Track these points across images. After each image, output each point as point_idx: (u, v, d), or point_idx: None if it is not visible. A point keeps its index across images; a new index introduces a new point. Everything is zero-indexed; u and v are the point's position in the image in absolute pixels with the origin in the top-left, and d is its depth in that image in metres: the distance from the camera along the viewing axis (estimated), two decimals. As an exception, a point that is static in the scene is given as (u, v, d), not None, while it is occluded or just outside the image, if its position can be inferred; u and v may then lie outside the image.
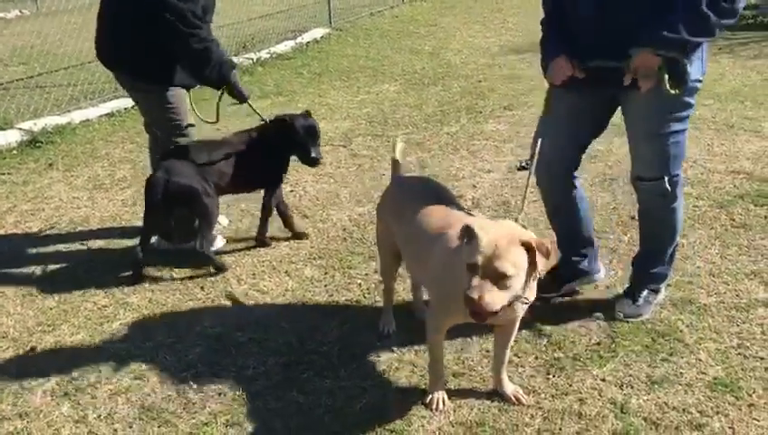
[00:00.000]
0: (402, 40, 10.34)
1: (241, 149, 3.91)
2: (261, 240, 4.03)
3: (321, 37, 10.43)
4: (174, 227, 3.87)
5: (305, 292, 3.49)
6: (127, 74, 3.84)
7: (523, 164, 5.05)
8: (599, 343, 2.96)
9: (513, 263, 2.11)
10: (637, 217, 3.26)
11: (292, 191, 4.78)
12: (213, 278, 3.65)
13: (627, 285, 3.23)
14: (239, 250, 3.96)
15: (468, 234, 2.19)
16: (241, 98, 3.85)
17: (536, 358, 2.88)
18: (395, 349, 2.99)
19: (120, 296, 3.51)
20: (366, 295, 3.43)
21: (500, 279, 2.10)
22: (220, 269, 3.72)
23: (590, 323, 3.08)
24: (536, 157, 2.88)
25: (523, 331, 3.03)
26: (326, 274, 3.66)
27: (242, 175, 3.87)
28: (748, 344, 2.91)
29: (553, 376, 2.77)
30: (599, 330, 3.05)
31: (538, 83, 7.46)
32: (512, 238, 2.14)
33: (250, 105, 3.95)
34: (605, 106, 3.05)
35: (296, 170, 5.10)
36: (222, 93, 3.82)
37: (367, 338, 3.08)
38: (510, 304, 2.20)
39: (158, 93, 3.79)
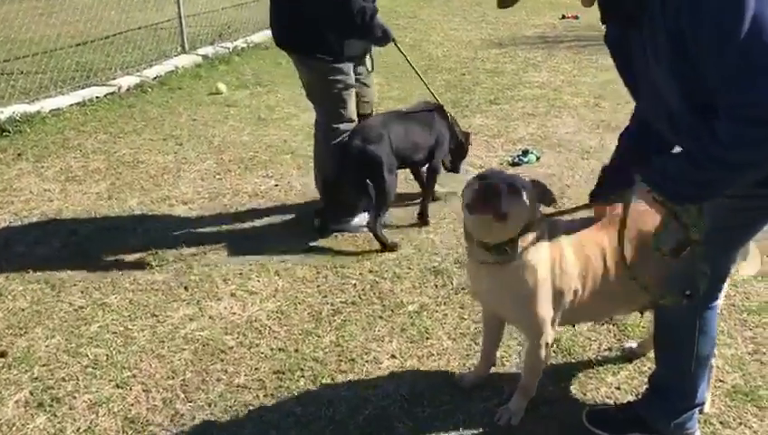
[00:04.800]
0: (382, 32, 10.14)
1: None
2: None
3: (299, 27, 10.17)
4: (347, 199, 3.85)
5: (297, 293, 3.29)
6: (293, 50, 3.73)
7: (515, 160, 4.94)
8: (610, 349, 2.83)
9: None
10: None
11: (276, 186, 4.58)
12: (197, 277, 3.43)
13: None
14: (225, 247, 3.75)
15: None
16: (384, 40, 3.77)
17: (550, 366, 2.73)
18: (396, 355, 2.82)
19: (97, 297, 3.28)
20: (361, 296, 3.25)
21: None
22: (390, 248, 3.63)
23: (599, 327, 2.94)
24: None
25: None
26: (318, 273, 3.47)
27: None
28: (764, 350, 2.80)
29: (565, 384, 2.63)
30: (608, 335, 2.91)
31: (522, 78, 7.37)
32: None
33: (399, 48, 4.03)
34: None
35: (280, 164, 4.91)
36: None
37: (364, 343, 2.90)
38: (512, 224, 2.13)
39: (321, 69, 3.62)
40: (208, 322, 3.07)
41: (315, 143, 3.98)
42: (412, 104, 4.39)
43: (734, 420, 2.44)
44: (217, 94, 6.75)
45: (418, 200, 4.23)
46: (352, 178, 3.71)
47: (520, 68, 7.86)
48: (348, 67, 3.68)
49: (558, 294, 2.26)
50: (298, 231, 3.93)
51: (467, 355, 2.80)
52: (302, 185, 4.59)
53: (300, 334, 2.97)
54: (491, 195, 2.07)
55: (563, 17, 11.05)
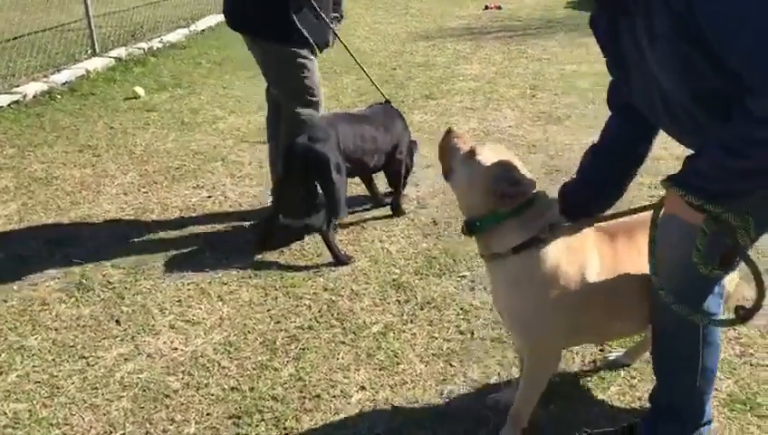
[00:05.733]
0: (304, 27, 9.77)
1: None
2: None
3: (217, 24, 9.67)
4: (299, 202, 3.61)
5: (245, 320, 2.95)
6: (249, 34, 3.55)
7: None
8: (594, 362, 2.63)
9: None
10: None
11: (210, 197, 4.20)
12: (129, 309, 3.04)
13: None
14: (158, 271, 3.36)
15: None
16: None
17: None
18: (366, 386, 2.53)
19: (14, 339, 2.85)
20: (318, 320, 2.94)
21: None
22: (343, 261, 3.35)
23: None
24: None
25: (507, 352, 2.66)
26: (266, 295, 3.14)
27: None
28: (752, 351, 2.66)
29: (554, 405, 2.40)
30: (590, 345, 2.70)
31: (454, 70, 7.18)
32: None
33: (342, 42, 3.85)
34: None
35: (211, 173, 4.54)
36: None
37: (328, 374, 2.60)
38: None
39: (281, 53, 3.48)
40: (147, 361, 2.70)
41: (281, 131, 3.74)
42: (367, 106, 4.13)
43: (738, 432, 2.26)
44: (135, 99, 6.27)
45: (368, 206, 3.97)
46: (298, 178, 3.42)
47: (451, 61, 7.68)
48: (304, 51, 3.49)
49: (573, 312, 2.00)
50: (238, 247, 3.58)
51: (444, 380, 2.54)
52: (237, 195, 4.23)
53: (254, 369, 2.64)
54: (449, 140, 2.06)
55: (486, 8, 10.97)
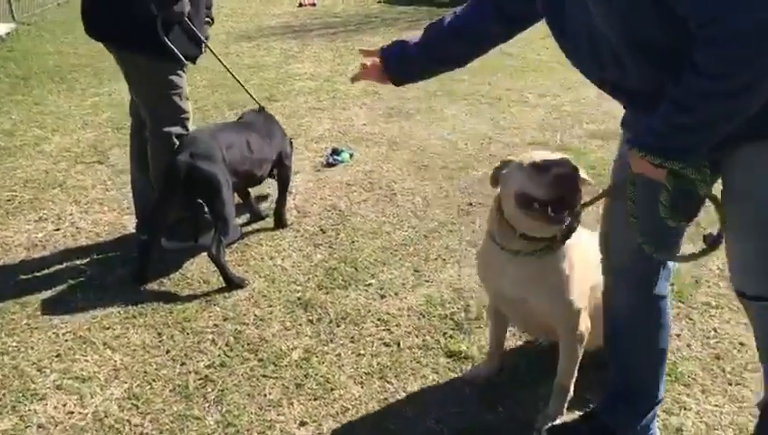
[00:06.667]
0: (111, 32, 9.04)
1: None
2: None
3: (8, 34, 8.66)
4: (182, 222, 3.35)
5: (145, 366, 2.61)
6: (113, 44, 3.22)
7: (329, 160, 4.57)
8: (534, 347, 2.63)
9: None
10: None
11: (58, 230, 3.70)
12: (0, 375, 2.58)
13: None
14: (21, 323, 2.88)
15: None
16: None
17: (476, 388, 2.44)
18: (306, 420, 2.33)
19: None
20: (228, 354, 2.67)
21: None
22: (238, 285, 3.08)
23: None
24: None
25: (439, 358, 2.59)
26: (160, 335, 2.80)
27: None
28: (659, 323, 2.79)
29: (501, 406, 2.36)
30: (514, 337, 2.70)
31: (288, 70, 6.99)
32: None
33: (212, 51, 3.56)
34: None
35: (51, 202, 4.02)
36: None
37: (260, 414, 2.36)
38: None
39: (149, 67, 3.15)
40: (40, 433, 2.29)
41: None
42: (240, 115, 3.89)
43: (672, 404, 2.36)
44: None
45: (245, 221, 3.71)
46: (181, 199, 3.14)
47: (281, 60, 7.50)
48: (173, 66, 3.20)
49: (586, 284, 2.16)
50: (110, 283, 3.18)
51: (385, 399, 2.40)
52: (89, 224, 3.77)
53: (173, 422, 2.33)
54: (571, 191, 1.91)
55: (301, 5, 10.85)
